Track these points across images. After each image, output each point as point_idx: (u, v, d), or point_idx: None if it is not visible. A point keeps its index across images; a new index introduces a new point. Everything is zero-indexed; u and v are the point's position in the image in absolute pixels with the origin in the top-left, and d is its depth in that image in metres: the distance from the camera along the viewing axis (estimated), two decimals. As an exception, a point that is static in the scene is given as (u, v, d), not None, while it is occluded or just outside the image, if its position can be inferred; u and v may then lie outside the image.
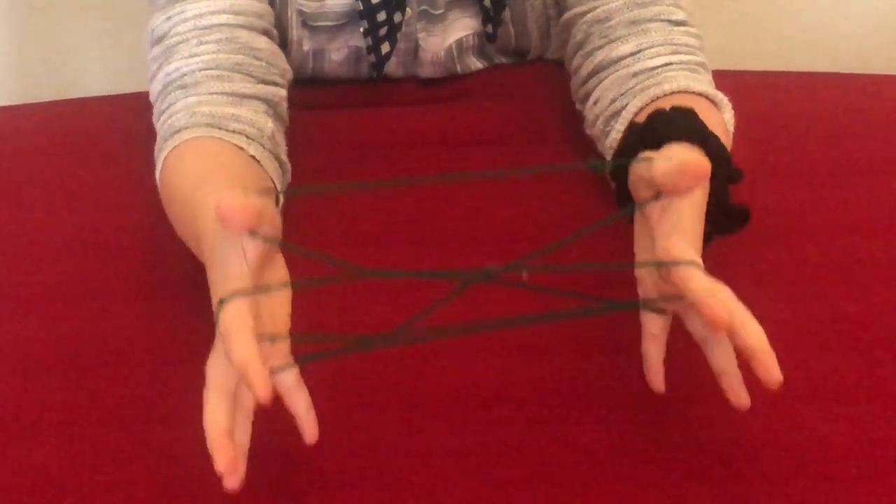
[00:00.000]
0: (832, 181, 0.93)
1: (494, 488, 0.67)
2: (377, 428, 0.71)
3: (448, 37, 1.00)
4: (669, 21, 0.89)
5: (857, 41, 1.55)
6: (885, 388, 0.74)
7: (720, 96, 0.86)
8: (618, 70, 0.88)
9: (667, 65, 0.86)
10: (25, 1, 1.50)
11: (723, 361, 0.65)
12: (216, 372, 0.62)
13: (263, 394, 0.55)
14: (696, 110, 0.76)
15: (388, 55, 0.98)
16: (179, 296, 0.81)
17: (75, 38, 1.54)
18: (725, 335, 0.62)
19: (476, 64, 1.05)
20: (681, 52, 0.87)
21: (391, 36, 0.96)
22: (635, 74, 0.86)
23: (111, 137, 0.99)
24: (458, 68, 1.04)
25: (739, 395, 0.64)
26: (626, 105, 0.85)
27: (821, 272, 0.84)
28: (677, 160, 0.64)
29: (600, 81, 0.89)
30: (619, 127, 0.85)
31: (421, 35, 0.99)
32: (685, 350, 0.76)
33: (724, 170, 0.73)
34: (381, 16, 0.94)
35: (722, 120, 0.84)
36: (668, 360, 0.74)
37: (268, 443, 0.71)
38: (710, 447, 0.68)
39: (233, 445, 0.58)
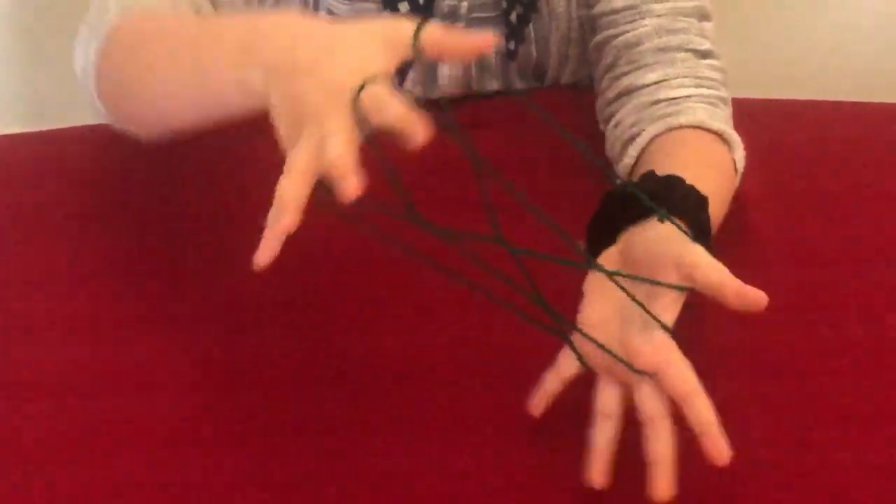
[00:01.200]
0: (842, 208, 0.94)
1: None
2: (397, 451, 0.72)
3: None
4: (696, 52, 0.91)
5: (864, 68, 1.55)
6: (894, 414, 0.75)
7: (734, 137, 0.87)
8: (641, 97, 0.90)
9: (688, 97, 0.87)
10: (32, 28, 1.51)
11: (664, 448, 0.65)
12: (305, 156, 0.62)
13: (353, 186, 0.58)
14: (707, 148, 0.81)
15: (409, 63, 0.99)
16: (192, 322, 0.81)
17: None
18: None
19: (493, 85, 1.05)
20: (703, 86, 0.89)
21: None
22: (656, 102, 0.88)
23: (121, 164, 0.99)
24: (476, 87, 1.05)
25: (662, 485, 0.64)
26: (641, 132, 0.86)
27: (831, 298, 0.84)
28: (738, 287, 0.65)
29: (623, 106, 0.91)
30: (633, 153, 0.86)
31: None
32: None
33: None
34: None
35: (730, 159, 0.86)
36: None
37: (285, 469, 0.71)
38: (716, 471, 0.68)
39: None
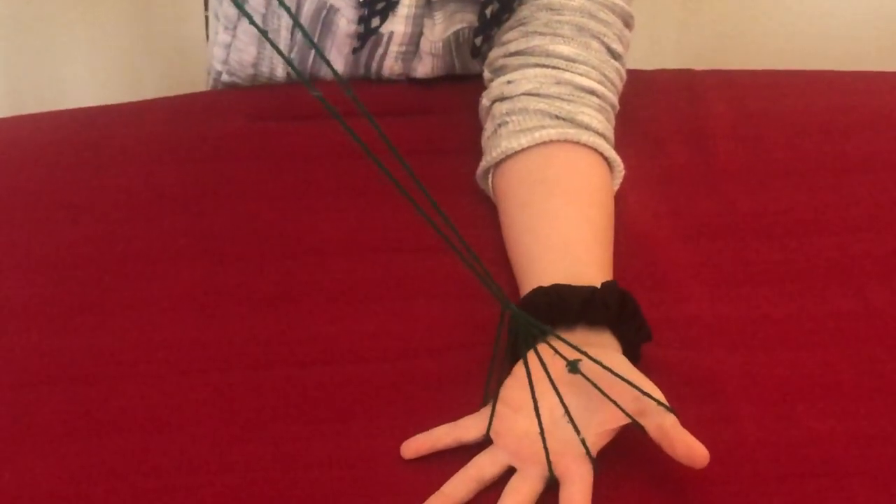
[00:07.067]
0: (826, 179, 0.93)
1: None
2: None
3: (448, 27, 1.00)
4: (609, 49, 0.90)
5: (847, 38, 1.55)
6: (880, 386, 0.75)
7: (619, 164, 0.87)
8: (546, 66, 0.88)
9: (591, 92, 0.87)
10: (10, 14, 1.50)
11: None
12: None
13: None
14: (592, 180, 0.84)
15: (376, 30, 0.98)
16: (176, 306, 0.81)
17: (60, 49, 1.54)
18: None
19: (476, 67, 1.05)
20: (605, 85, 0.89)
21: (385, 12, 0.96)
22: (560, 83, 0.87)
23: (99, 148, 0.98)
24: (457, 65, 1.04)
25: None
26: (539, 129, 0.85)
27: (816, 270, 0.84)
28: (684, 442, 0.65)
29: (526, 66, 0.89)
30: (523, 141, 0.85)
31: (427, 22, 0.99)
32: (679, 353, 0.77)
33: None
34: None
35: (610, 184, 0.86)
36: (665, 364, 0.75)
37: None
38: (705, 445, 0.68)
39: None
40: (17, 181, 0.95)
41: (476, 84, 0.97)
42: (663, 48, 1.50)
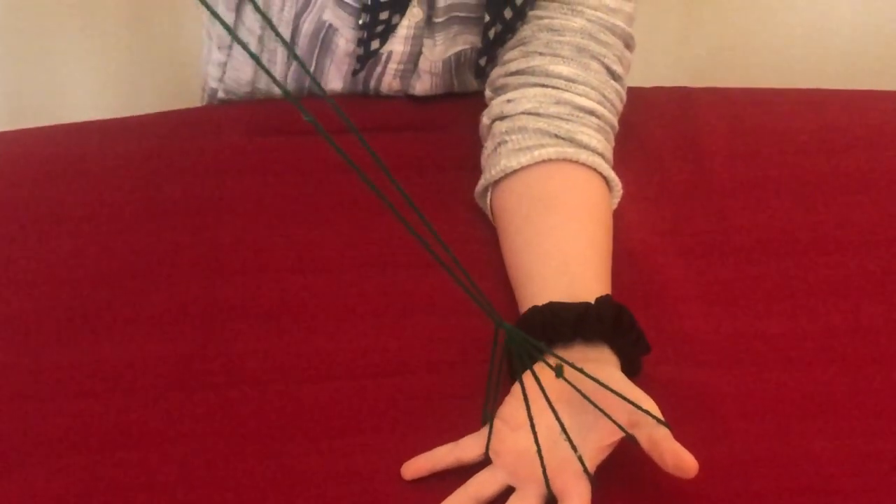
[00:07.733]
0: (822, 196, 0.94)
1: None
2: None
3: (450, 48, 1.00)
4: (609, 70, 0.91)
5: (844, 56, 1.56)
6: (874, 403, 0.75)
7: (617, 183, 0.88)
8: (546, 86, 0.89)
9: (591, 112, 0.88)
10: (8, 24, 1.50)
11: None
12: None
13: None
14: (592, 197, 0.85)
15: (375, 52, 0.98)
16: (175, 321, 0.81)
17: (59, 60, 1.54)
18: None
19: (474, 84, 1.05)
20: (604, 106, 0.89)
21: (384, 35, 0.97)
22: (560, 102, 0.88)
23: (97, 162, 0.98)
24: (456, 84, 1.05)
25: None
26: (539, 146, 0.86)
27: (811, 287, 0.85)
28: (673, 452, 0.65)
29: (526, 86, 0.90)
30: (522, 160, 0.86)
31: (427, 42, 0.99)
32: (674, 369, 0.77)
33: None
34: (384, 15, 0.95)
35: (609, 204, 0.87)
36: (660, 379, 0.75)
37: None
38: (699, 462, 0.68)
39: None
40: (15, 195, 0.95)
41: (475, 100, 0.98)
42: (660, 66, 1.50)
